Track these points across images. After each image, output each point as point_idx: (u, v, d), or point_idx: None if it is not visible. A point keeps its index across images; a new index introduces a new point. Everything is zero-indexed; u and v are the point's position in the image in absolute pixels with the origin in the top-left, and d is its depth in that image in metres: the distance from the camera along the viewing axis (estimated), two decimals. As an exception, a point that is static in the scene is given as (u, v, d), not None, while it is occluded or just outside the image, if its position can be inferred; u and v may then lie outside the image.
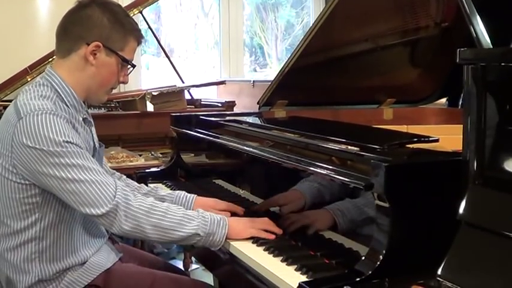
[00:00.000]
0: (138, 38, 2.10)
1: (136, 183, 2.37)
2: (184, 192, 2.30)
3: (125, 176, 2.40)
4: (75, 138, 1.89)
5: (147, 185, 2.41)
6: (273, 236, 1.92)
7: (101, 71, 2.02)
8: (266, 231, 1.94)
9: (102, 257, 2.07)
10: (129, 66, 2.08)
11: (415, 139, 1.92)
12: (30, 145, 1.84)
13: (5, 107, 2.23)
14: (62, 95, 1.98)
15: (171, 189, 2.53)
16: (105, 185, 1.87)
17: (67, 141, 1.85)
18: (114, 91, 2.13)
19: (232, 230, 1.94)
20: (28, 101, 1.91)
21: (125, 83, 2.12)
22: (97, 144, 2.14)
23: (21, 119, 1.87)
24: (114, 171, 2.43)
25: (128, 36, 2.05)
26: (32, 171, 1.87)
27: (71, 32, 2.01)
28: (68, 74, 2.00)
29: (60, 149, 1.84)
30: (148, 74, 5.74)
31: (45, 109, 1.88)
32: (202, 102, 4.58)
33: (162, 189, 2.39)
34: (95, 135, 2.15)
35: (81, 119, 2.03)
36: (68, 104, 1.98)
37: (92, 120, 2.15)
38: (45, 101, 1.92)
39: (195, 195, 2.28)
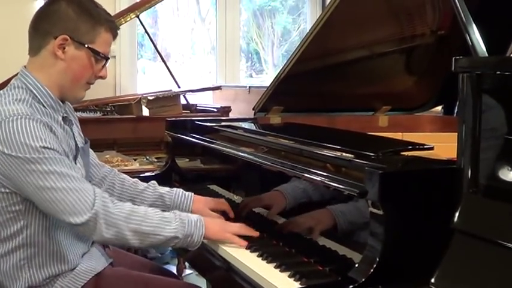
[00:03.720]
0: (112, 29, 2.02)
1: (130, 178, 2.35)
2: (182, 190, 2.28)
3: (116, 170, 2.37)
4: (52, 143, 1.85)
5: None
6: (246, 243, 1.93)
7: (72, 66, 1.96)
8: (243, 235, 1.97)
9: (92, 262, 2.06)
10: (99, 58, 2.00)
11: (410, 147, 1.92)
12: (7, 152, 1.80)
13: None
14: (38, 96, 1.93)
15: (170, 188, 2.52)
16: (83, 192, 1.84)
17: (44, 147, 1.81)
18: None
19: (208, 231, 1.96)
20: (3, 106, 1.86)
21: (103, 78, 2.05)
22: (79, 143, 2.10)
23: None
24: (104, 164, 2.40)
25: (98, 27, 1.97)
26: (11, 179, 1.84)
27: (38, 28, 1.97)
28: (40, 72, 1.96)
29: (37, 156, 1.80)
30: (145, 79, 5.74)
31: (21, 114, 1.83)
32: (197, 108, 4.57)
33: (160, 186, 2.36)
34: (77, 134, 2.11)
35: (60, 118, 1.99)
36: (45, 105, 1.94)
37: (72, 119, 2.11)
38: (20, 105, 1.87)
39: (193, 194, 2.27)
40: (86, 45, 1.96)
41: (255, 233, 1.98)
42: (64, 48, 1.94)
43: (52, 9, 1.97)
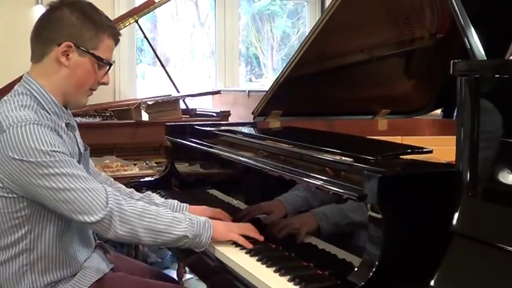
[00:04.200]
0: (114, 35, 2.04)
1: (126, 188, 2.36)
2: (177, 201, 2.30)
3: (112, 179, 2.38)
4: (61, 147, 1.86)
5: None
6: (250, 245, 1.94)
7: (76, 72, 1.97)
8: (247, 236, 1.98)
9: (93, 267, 2.06)
10: (102, 64, 2.02)
11: (409, 150, 1.92)
12: (17, 158, 1.80)
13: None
14: (43, 103, 1.94)
15: (164, 199, 2.53)
16: (97, 191, 1.86)
17: (54, 151, 1.82)
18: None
19: (216, 232, 1.98)
20: (9, 112, 1.87)
21: (105, 84, 2.07)
22: (82, 149, 2.11)
23: (4, 132, 1.82)
24: (101, 172, 2.42)
25: (101, 33, 1.99)
26: (21, 184, 1.84)
27: (41, 35, 1.98)
28: (43, 78, 1.96)
29: (48, 159, 1.81)
30: (144, 83, 5.74)
31: (28, 119, 1.84)
32: (197, 112, 4.58)
33: (155, 197, 2.37)
34: (79, 140, 2.12)
35: (63, 124, 2.00)
36: (49, 111, 1.94)
37: (75, 125, 2.12)
38: (26, 110, 1.88)
39: (188, 205, 2.28)
40: (90, 52, 1.97)
41: (260, 237, 1.99)
42: (68, 55, 1.95)
43: (55, 17, 1.97)
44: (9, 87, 3.71)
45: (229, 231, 2.00)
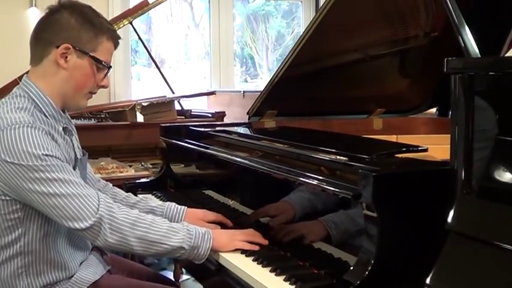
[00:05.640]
0: (113, 38, 2.03)
1: (124, 192, 2.35)
2: (174, 203, 2.28)
3: (111, 185, 2.37)
4: (54, 151, 1.84)
5: (136, 196, 2.39)
6: (257, 247, 1.91)
7: (74, 74, 1.96)
8: (251, 242, 1.94)
9: (90, 270, 2.05)
10: (101, 67, 2.01)
11: (404, 149, 1.92)
12: (9, 160, 1.79)
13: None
14: (40, 105, 1.93)
15: (160, 200, 2.53)
16: (88, 198, 1.83)
17: (46, 155, 1.81)
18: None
19: (217, 243, 1.93)
20: (5, 114, 1.86)
21: (105, 87, 2.06)
22: (79, 154, 2.09)
23: None
24: (100, 178, 2.41)
25: (100, 36, 1.98)
26: (13, 186, 1.83)
27: (40, 38, 1.97)
28: (42, 81, 1.95)
29: (40, 163, 1.80)
30: (139, 85, 5.74)
31: (23, 122, 1.83)
32: (192, 113, 4.58)
33: (152, 200, 2.37)
34: (76, 145, 2.11)
35: (61, 128, 1.99)
36: (47, 114, 1.93)
37: (72, 129, 2.11)
38: (22, 113, 1.87)
39: (186, 207, 2.26)
40: (88, 54, 1.96)
41: (264, 241, 1.96)
42: (66, 57, 1.94)
43: (54, 19, 1.97)
44: (2, 90, 3.72)
45: (233, 240, 1.95)
